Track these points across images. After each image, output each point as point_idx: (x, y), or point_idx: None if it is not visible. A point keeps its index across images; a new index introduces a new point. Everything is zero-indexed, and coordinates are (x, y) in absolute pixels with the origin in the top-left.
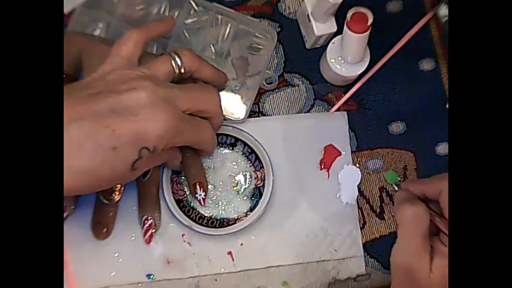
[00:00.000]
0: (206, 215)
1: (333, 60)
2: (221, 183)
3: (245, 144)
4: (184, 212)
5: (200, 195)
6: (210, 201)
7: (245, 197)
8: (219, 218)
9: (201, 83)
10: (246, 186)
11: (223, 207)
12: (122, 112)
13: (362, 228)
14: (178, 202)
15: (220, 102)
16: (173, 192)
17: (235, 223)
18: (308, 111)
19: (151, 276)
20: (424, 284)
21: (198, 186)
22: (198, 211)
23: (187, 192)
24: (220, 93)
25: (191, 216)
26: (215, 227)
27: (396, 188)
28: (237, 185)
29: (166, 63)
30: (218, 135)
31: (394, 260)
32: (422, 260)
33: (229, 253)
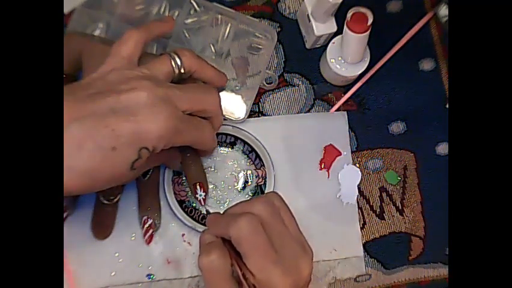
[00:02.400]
0: (211, 212)
1: (333, 60)
2: (222, 182)
3: (245, 142)
4: (186, 212)
5: (200, 195)
6: (212, 201)
7: (247, 196)
8: None
9: (200, 83)
10: (248, 184)
11: (225, 207)
12: (121, 112)
13: (362, 228)
14: (180, 203)
15: (220, 103)
16: (175, 193)
17: None
18: (308, 111)
19: (151, 276)
20: None
21: (198, 187)
22: (201, 211)
23: (189, 193)
24: (220, 93)
25: (194, 217)
26: None
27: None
28: (238, 184)
29: (166, 63)
30: (217, 134)
31: None
32: None
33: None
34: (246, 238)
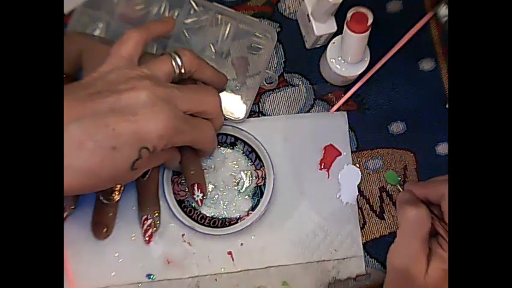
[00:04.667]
0: (208, 215)
1: (333, 60)
2: (222, 182)
3: (245, 143)
4: (185, 212)
5: (198, 196)
6: (212, 201)
7: (246, 196)
8: (220, 217)
9: (200, 84)
10: (247, 185)
11: (224, 207)
12: (122, 111)
13: (362, 228)
14: (180, 203)
15: (220, 104)
16: (174, 193)
17: (237, 222)
18: (308, 111)
19: (151, 276)
20: (419, 286)
21: (195, 187)
22: (200, 211)
23: (188, 193)
24: (220, 93)
25: (193, 217)
26: (217, 226)
27: (400, 189)
28: (238, 184)
29: (167, 63)
30: (218, 134)
31: (391, 260)
32: (419, 263)
33: (229, 253)
34: None
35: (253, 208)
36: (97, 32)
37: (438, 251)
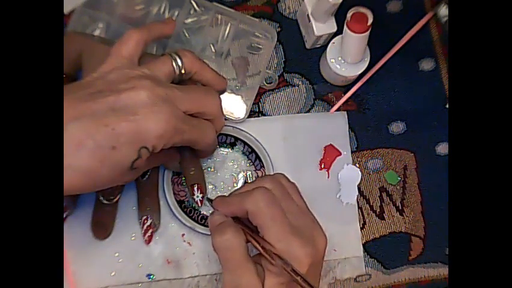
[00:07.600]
0: (208, 215)
1: (333, 60)
2: (222, 183)
3: (245, 143)
4: (185, 212)
5: (197, 196)
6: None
7: None
8: None
9: (200, 85)
10: None
11: None
12: (122, 111)
13: (362, 228)
14: (180, 203)
15: (220, 105)
16: (174, 193)
17: None
18: (308, 111)
19: (151, 276)
20: None
21: (195, 188)
22: (200, 211)
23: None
24: (220, 95)
25: (193, 217)
26: None
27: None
28: (238, 185)
29: (167, 63)
30: (217, 135)
31: None
32: (252, 285)
33: None
34: (263, 209)
35: None
36: (97, 32)
37: (268, 266)
